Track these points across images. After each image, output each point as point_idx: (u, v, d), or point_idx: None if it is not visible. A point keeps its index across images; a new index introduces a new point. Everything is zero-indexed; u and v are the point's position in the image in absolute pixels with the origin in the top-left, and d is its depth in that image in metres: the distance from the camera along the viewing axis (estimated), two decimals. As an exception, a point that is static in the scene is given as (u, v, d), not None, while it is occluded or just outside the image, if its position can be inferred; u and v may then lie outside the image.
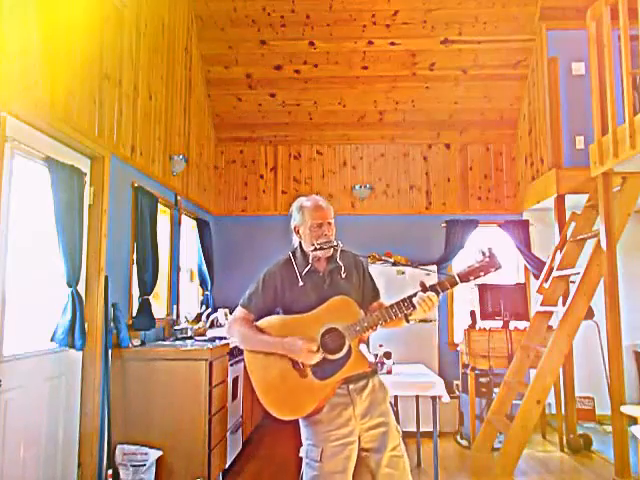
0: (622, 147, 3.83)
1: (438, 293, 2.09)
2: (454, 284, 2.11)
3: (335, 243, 2.22)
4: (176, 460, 3.46)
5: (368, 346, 5.01)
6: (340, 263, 2.26)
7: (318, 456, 2.10)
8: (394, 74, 5.81)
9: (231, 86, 5.92)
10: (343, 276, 2.25)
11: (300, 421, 2.21)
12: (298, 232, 2.29)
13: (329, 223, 2.24)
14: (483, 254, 2.14)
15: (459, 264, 6.24)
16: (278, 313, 2.28)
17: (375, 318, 2.12)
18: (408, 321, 2.17)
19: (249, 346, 2.26)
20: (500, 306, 5.05)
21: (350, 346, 2.12)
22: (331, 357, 2.11)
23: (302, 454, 2.20)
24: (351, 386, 2.16)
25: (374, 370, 2.27)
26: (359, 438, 2.15)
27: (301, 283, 2.22)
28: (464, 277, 2.11)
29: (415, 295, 2.09)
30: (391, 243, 6.00)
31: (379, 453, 2.12)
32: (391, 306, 2.13)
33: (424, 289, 2.09)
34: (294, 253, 2.31)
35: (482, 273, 2.10)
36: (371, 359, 2.25)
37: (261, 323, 2.25)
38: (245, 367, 2.38)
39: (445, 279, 2.11)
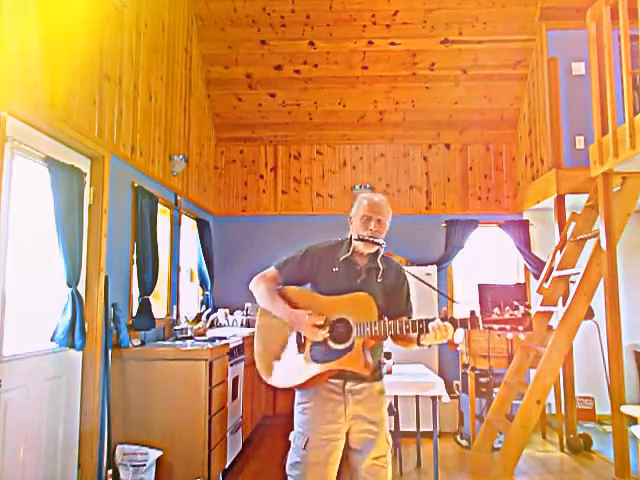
0: (622, 147, 3.83)
1: (456, 327, 2.07)
2: (475, 326, 2.08)
3: (380, 241, 2.24)
4: (176, 460, 3.45)
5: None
6: (380, 265, 2.28)
7: (303, 444, 2.16)
8: (394, 74, 5.81)
9: (231, 86, 5.92)
10: (379, 279, 2.26)
11: (295, 407, 2.26)
12: (351, 222, 2.33)
13: (378, 220, 2.26)
14: (517, 307, 2.09)
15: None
16: (301, 286, 2.33)
17: (386, 326, 2.12)
18: (419, 344, 2.14)
19: (264, 304, 2.31)
20: (500, 306, 5.04)
21: (354, 342, 2.13)
22: (333, 345, 2.14)
23: (291, 438, 2.25)
24: (348, 385, 2.18)
25: (378, 376, 2.26)
26: (347, 437, 2.18)
27: (335, 269, 2.25)
28: (488, 323, 2.08)
29: (433, 320, 2.08)
30: (391, 243, 5.96)
31: (361, 455, 2.16)
32: (405, 322, 2.12)
33: (444, 318, 2.07)
34: (343, 241, 2.34)
35: (508, 327, 2.05)
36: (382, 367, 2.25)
37: (285, 289, 2.30)
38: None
39: (469, 318, 2.08)
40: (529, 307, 2.07)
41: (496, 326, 2.04)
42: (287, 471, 2.21)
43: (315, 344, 2.17)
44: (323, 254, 2.29)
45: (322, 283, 2.26)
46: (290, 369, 2.20)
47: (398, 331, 2.11)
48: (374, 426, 2.17)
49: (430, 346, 2.17)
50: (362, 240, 2.22)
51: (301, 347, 2.20)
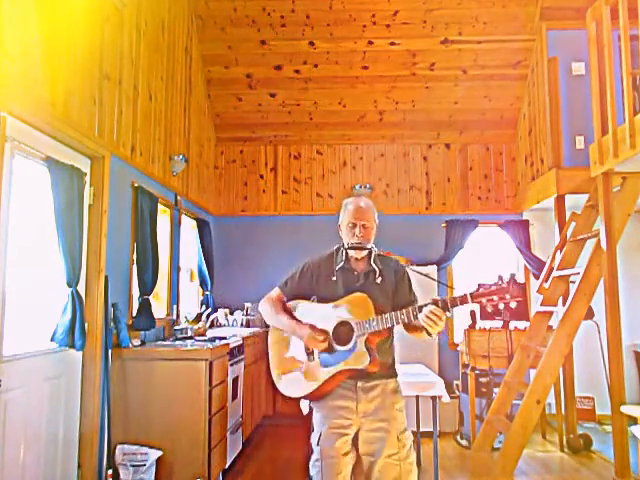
0: (622, 147, 3.83)
1: (446, 309, 2.08)
2: (464, 302, 2.09)
3: (369, 246, 2.31)
4: (176, 460, 3.45)
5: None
6: (375, 267, 2.34)
7: (317, 440, 2.27)
8: (394, 74, 5.81)
9: (231, 86, 5.92)
10: (378, 280, 2.32)
11: (313, 410, 2.36)
12: (340, 230, 2.41)
13: (363, 226, 2.32)
14: (501, 279, 2.11)
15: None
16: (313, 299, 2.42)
17: (384, 320, 2.16)
18: (430, 334, 2.16)
19: (270, 322, 2.46)
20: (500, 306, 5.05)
21: (357, 341, 2.19)
22: (339, 348, 2.22)
23: (311, 440, 2.34)
24: (359, 383, 2.25)
25: (391, 374, 2.33)
26: (358, 435, 2.24)
27: (334, 278, 2.34)
28: (476, 297, 2.09)
29: (425, 306, 2.11)
30: (391, 243, 5.98)
31: (374, 457, 2.20)
32: (400, 312, 2.16)
33: (434, 303, 2.10)
34: (338, 249, 2.42)
35: (495, 297, 2.07)
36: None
37: (291, 303, 2.44)
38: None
39: (457, 297, 2.10)
40: (513, 276, 2.09)
41: (484, 299, 2.06)
42: (310, 472, 2.29)
43: (323, 350, 2.25)
44: (320, 267, 2.40)
45: (324, 293, 2.35)
46: (303, 378, 2.30)
47: (395, 322, 2.16)
48: (384, 424, 2.22)
49: (439, 333, 2.19)
50: (351, 248, 2.31)
51: (310, 355, 2.30)
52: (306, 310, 2.38)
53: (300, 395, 2.32)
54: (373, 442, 2.21)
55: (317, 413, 2.32)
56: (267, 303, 2.46)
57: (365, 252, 2.32)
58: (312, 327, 2.26)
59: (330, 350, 2.23)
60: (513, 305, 2.07)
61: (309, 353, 2.30)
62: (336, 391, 2.25)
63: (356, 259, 2.34)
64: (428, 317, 2.07)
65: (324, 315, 2.28)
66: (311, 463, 2.29)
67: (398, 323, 2.16)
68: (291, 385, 2.34)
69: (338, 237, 2.43)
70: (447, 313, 2.08)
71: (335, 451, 2.21)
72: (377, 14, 5.41)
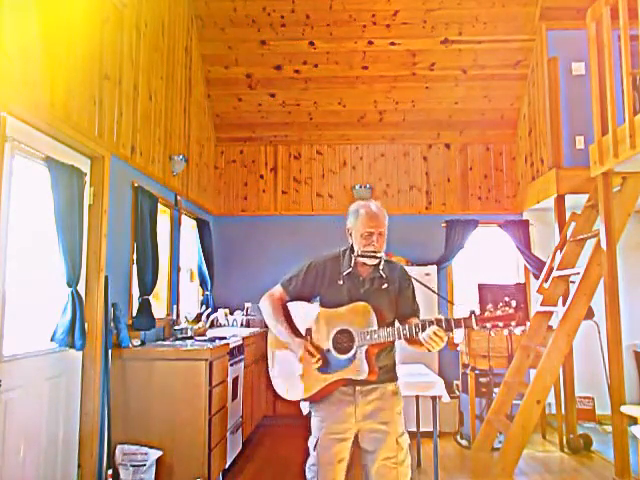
0: (622, 147, 3.83)
1: (450, 330, 2.08)
2: (468, 325, 2.10)
3: (380, 254, 2.27)
4: (176, 460, 3.45)
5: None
6: (382, 273, 2.30)
7: (313, 445, 2.25)
8: (394, 74, 5.81)
9: (231, 86, 5.92)
10: (383, 286, 2.30)
11: (311, 414, 2.33)
12: (351, 235, 2.34)
13: (380, 233, 2.28)
14: (508, 304, 2.11)
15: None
16: (311, 300, 2.38)
17: (386, 333, 2.15)
18: (430, 351, 2.15)
19: (268, 322, 2.38)
20: (495, 303, 5.04)
21: (357, 351, 2.17)
22: (338, 356, 2.20)
23: (309, 443, 2.32)
24: (358, 387, 2.22)
25: (390, 378, 2.30)
26: (358, 436, 2.23)
27: (340, 282, 2.29)
28: (481, 321, 2.09)
29: (432, 323, 2.10)
30: (391, 243, 5.98)
31: (371, 456, 2.21)
32: (404, 327, 2.15)
33: (438, 322, 2.09)
34: (344, 251, 2.36)
35: (501, 323, 2.06)
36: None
37: (291, 304, 2.38)
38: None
39: (462, 318, 2.09)
40: (525, 303, 2.11)
41: (489, 324, 2.06)
42: (306, 475, 2.28)
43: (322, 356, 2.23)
44: (326, 268, 2.33)
45: (327, 296, 2.30)
46: (299, 382, 2.27)
47: (397, 337, 2.15)
48: (384, 426, 2.21)
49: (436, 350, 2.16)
50: (365, 256, 2.26)
51: None
52: (306, 312, 2.32)
53: (296, 399, 2.30)
54: (372, 443, 2.21)
55: (315, 417, 2.29)
56: (268, 302, 2.37)
57: (377, 260, 2.28)
58: (307, 345, 2.21)
59: (325, 365, 2.20)
60: (518, 332, 2.09)
61: None
62: (334, 395, 2.23)
63: (363, 264, 2.30)
64: (431, 337, 2.06)
65: (325, 320, 2.25)
66: (307, 466, 2.27)
67: (400, 338, 2.15)
68: (287, 387, 2.32)
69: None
70: (449, 333, 2.07)
71: (331, 458, 2.20)
72: (377, 14, 5.41)
